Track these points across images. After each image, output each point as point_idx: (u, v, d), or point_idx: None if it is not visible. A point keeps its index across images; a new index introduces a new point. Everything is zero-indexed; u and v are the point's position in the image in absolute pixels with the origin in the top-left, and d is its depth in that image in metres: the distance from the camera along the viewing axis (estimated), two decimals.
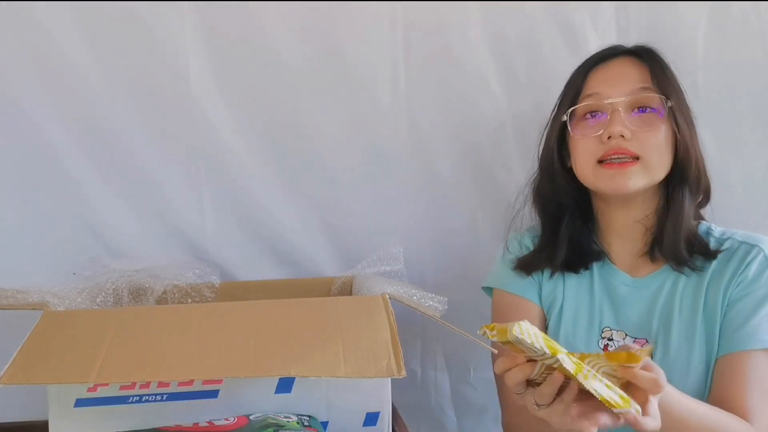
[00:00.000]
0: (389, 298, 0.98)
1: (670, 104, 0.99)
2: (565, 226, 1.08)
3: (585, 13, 1.27)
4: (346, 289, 1.22)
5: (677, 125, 1.00)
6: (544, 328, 1.10)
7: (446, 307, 1.10)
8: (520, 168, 1.29)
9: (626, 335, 1.04)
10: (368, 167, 1.30)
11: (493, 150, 1.31)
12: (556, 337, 1.06)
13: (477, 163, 1.31)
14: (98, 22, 1.18)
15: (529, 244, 1.15)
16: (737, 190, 1.30)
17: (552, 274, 1.10)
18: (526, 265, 1.11)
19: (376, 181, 1.30)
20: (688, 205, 1.02)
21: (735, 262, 1.00)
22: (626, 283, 1.06)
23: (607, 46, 1.08)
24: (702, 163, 1.03)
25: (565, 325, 1.08)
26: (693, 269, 1.02)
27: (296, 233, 1.30)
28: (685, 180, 1.01)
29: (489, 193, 1.32)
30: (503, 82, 1.29)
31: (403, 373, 0.81)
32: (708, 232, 1.05)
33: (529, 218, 1.17)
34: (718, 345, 0.98)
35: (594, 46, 1.13)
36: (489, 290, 1.17)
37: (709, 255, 1.02)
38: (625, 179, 0.98)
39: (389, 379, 0.94)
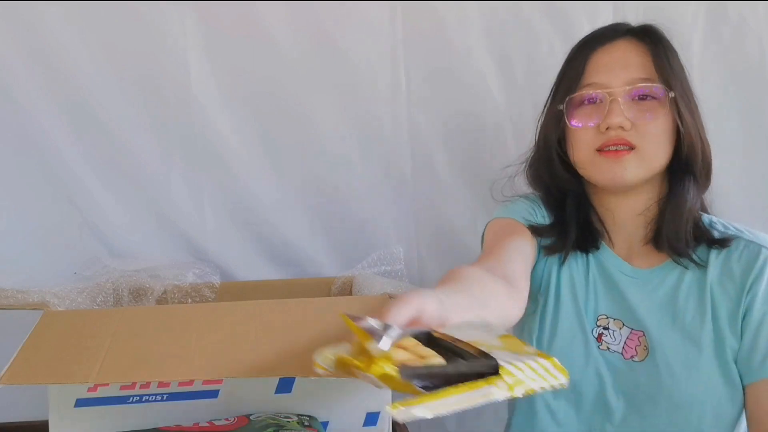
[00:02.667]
0: (389, 298, 0.98)
1: (672, 95, 0.96)
2: (569, 209, 1.04)
3: (583, 13, 1.28)
4: (346, 289, 1.22)
5: (680, 115, 0.97)
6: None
7: None
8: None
9: (623, 325, 1.01)
10: (368, 167, 1.30)
11: (492, 150, 1.31)
12: (554, 325, 1.02)
13: (476, 163, 1.31)
14: (98, 22, 1.18)
15: (543, 212, 1.07)
16: (733, 191, 1.30)
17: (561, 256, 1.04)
18: (540, 232, 1.04)
19: (376, 181, 1.30)
20: (693, 195, 0.99)
21: (743, 262, 0.97)
22: (625, 272, 1.03)
23: (608, 24, 1.04)
24: (708, 150, 1.00)
25: (565, 311, 1.03)
26: (695, 262, 0.99)
27: (296, 233, 1.30)
28: (690, 170, 0.99)
29: (488, 192, 1.32)
30: (502, 82, 1.29)
31: None
32: (711, 224, 1.03)
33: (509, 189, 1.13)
34: (748, 372, 0.95)
35: None
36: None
37: (714, 244, 0.99)
38: (623, 170, 0.96)
39: None
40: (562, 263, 1.04)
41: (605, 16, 1.27)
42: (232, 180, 1.27)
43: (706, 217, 1.04)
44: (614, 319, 1.02)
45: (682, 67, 1.00)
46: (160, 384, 0.88)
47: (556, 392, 1.00)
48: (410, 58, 1.27)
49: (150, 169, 1.24)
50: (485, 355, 0.57)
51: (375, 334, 0.58)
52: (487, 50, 1.28)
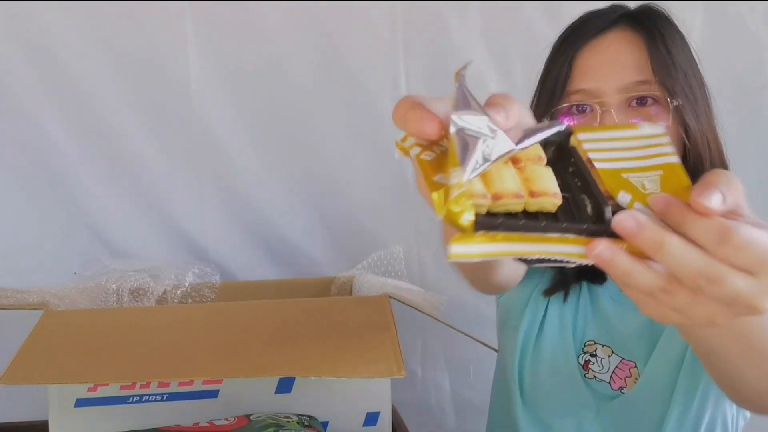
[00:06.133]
0: (389, 298, 0.99)
1: (675, 103, 0.83)
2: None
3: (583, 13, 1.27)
4: (346, 289, 1.22)
5: (684, 121, 0.84)
6: None
7: (446, 307, 1.10)
8: None
9: (612, 352, 0.92)
10: (368, 167, 1.30)
11: None
12: (539, 346, 0.97)
13: None
14: (99, 22, 1.18)
15: None
16: None
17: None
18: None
19: (377, 180, 1.30)
20: None
21: None
22: (614, 297, 0.93)
23: (596, 9, 0.88)
24: (722, 154, 0.88)
25: (550, 334, 0.95)
26: None
27: (296, 233, 1.30)
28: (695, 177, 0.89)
29: None
30: (502, 83, 1.29)
31: (403, 373, 0.81)
32: None
33: None
34: None
35: None
36: None
37: None
38: None
39: (389, 379, 0.94)
40: (563, 301, 0.94)
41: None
42: (232, 180, 1.27)
43: None
44: (603, 346, 0.93)
45: (687, 57, 0.87)
46: (160, 384, 0.88)
47: (533, 423, 0.96)
48: (410, 58, 1.27)
49: (150, 169, 1.24)
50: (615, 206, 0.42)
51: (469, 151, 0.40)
52: (487, 50, 1.28)
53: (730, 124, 1.33)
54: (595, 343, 0.94)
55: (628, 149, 0.46)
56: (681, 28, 0.89)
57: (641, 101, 0.84)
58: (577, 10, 1.26)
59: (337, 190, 1.29)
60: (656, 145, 0.46)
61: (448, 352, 1.39)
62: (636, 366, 0.91)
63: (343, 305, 1.01)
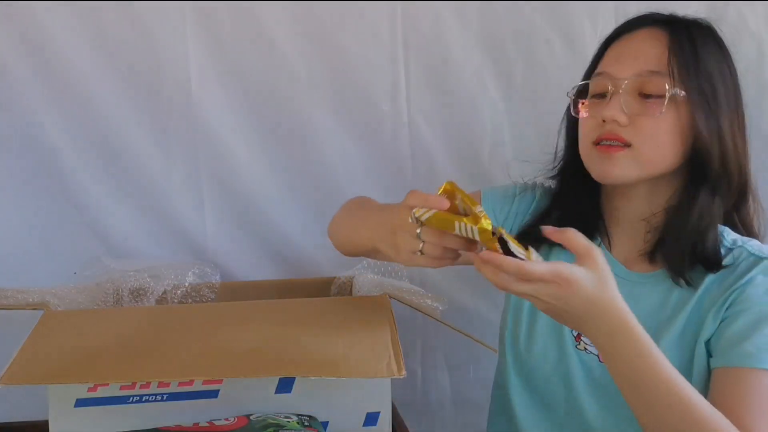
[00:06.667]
0: (389, 298, 0.99)
1: (675, 91, 0.87)
2: (573, 200, 0.99)
3: (584, 14, 1.27)
4: (346, 289, 1.22)
5: (694, 116, 0.88)
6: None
7: (446, 307, 1.10)
8: (518, 170, 1.29)
9: None
10: (368, 168, 1.30)
11: (492, 152, 1.31)
12: (532, 321, 1.00)
13: (475, 166, 1.31)
14: (99, 22, 1.18)
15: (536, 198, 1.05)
16: None
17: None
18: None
19: (376, 181, 1.30)
20: (705, 207, 0.90)
21: (737, 274, 0.89)
22: (617, 273, 0.92)
23: (641, 14, 0.96)
24: (732, 159, 0.90)
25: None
26: (689, 283, 0.91)
27: (296, 233, 1.30)
28: (703, 178, 0.90)
29: None
30: (502, 85, 1.29)
31: (403, 373, 0.81)
32: (733, 244, 0.92)
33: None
34: (714, 354, 0.88)
35: (593, 48, 1.11)
36: None
37: (711, 267, 0.90)
38: (612, 166, 0.89)
39: (389, 379, 0.94)
40: (547, 255, 0.97)
41: (606, 17, 1.27)
42: (231, 180, 1.27)
43: (729, 236, 0.93)
44: None
45: (718, 63, 0.91)
46: (160, 384, 0.88)
47: (527, 395, 1.01)
48: (410, 58, 1.26)
49: (150, 168, 1.24)
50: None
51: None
52: (487, 53, 1.27)
53: None
54: None
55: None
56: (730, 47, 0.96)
57: (647, 95, 0.89)
58: (577, 10, 1.27)
59: (337, 190, 1.29)
60: None
61: (448, 352, 1.39)
62: None
63: (343, 305, 1.01)
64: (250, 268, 1.29)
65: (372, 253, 0.98)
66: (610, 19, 1.26)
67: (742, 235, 0.95)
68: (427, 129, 1.30)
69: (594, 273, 0.75)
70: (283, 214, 1.29)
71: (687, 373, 0.86)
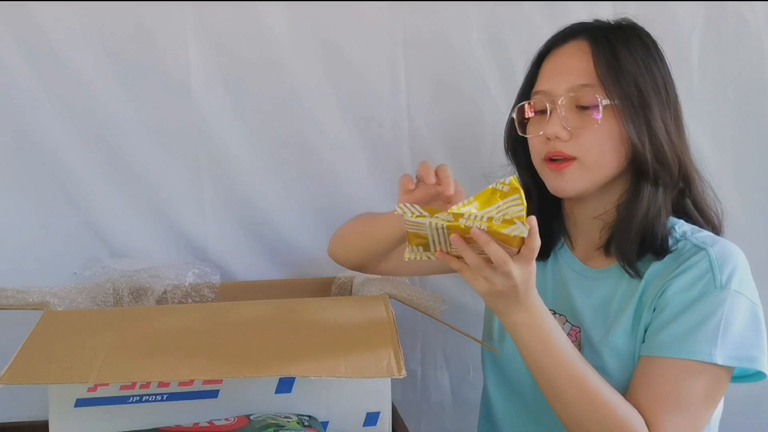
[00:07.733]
0: (389, 298, 0.99)
1: (606, 102, 0.91)
2: (537, 210, 1.00)
3: (583, 13, 1.26)
4: (346, 289, 1.22)
5: (623, 121, 0.91)
6: None
7: (446, 307, 1.10)
8: None
9: (566, 321, 1.00)
10: (368, 167, 1.30)
11: (492, 150, 1.31)
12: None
13: (475, 164, 1.31)
14: (99, 21, 1.18)
15: None
16: (731, 191, 1.30)
17: None
18: None
19: (377, 180, 1.30)
20: (651, 200, 0.93)
21: (675, 265, 0.92)
22: (575, 269, 1.02)
23: (565, 26, 1.00)
24: (668, 153, 0.93)
25: None
26: (639, 274, 0.94)
27: (296, 233, 1.30)
28: (645, 175, 0.93)
29: None
30: (502, 83, 1.29)
31: (403, 373, 0.81)
32: (681, 235, 0.96)
33: None
34: (642, 342, 0.92)
35: None
36: None
37: (658, 254, 0.94)
38: (563, 182, 0.94)
39: (389, 379, 0.94)
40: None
41: (606, 17, 1.27)
42: (232, 180, 1.27)
43: (678, 227, 0.97)
44: (560, 315, 1.01)
45: (642, 62, 0.94)
46: (160, 384, 0.88)
47: (503, 393, 1.07)
48: (410, 58, 1.27)
49: (150, 169, 1.24)
50: None
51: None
52: (487, 51, 1.28)
53: (731, 123, 1.33)
54: (555, 313, 1.01)
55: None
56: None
57: (583, 107, 0.93)
58: (577, 10, 1.27)
59: (337, 190, 1.29)
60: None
61: (448, 352, 1.39)
62: (581, 331, 0.99)
63: (343, 305, 1.01)
64: (250, 268, 1.29)
65: (383, 250, 1.03)
66: (609, 18, 1.26)
67: (699, 219, 0.99)
68: (427, 129, 1.30)
69: (525, 270, 0.81)
70: (283, 214, 1.29)
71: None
